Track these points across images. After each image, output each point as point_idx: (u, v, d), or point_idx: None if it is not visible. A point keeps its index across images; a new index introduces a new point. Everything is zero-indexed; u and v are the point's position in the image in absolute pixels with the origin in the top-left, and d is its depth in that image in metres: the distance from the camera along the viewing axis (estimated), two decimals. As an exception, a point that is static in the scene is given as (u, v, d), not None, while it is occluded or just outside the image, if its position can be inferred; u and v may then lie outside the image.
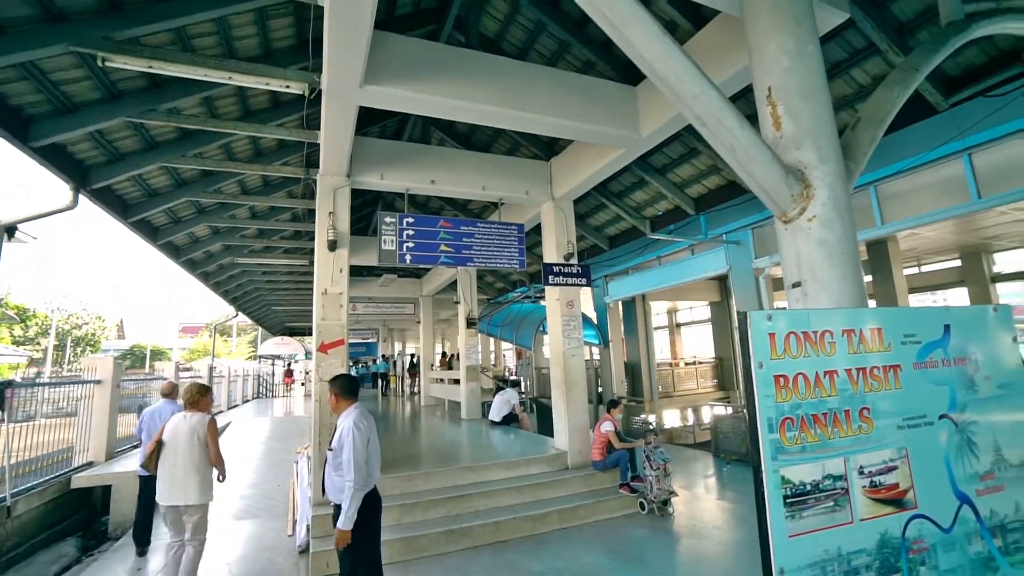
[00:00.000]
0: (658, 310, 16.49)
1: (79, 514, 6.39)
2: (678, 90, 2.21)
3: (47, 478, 5.90)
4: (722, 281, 12.80)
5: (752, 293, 7.60)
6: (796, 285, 2.24)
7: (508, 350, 22.19)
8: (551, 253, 6.52)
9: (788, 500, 1.26)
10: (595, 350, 11.99)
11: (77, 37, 3.45)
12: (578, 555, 4.46)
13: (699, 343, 17.40)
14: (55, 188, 5.18)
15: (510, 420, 8.80)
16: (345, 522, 2.87)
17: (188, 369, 12.95)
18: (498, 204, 7.47)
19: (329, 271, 5.08)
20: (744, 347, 1.31)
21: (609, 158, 5.53)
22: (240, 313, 15.98)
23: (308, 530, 4.85)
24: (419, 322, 13.36)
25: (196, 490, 3.60)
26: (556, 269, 6.25)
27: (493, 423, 8.72)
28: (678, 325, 17.80)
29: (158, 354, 43.44)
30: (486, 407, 10.31)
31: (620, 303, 11.94)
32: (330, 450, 3.03)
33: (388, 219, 5.57)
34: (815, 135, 2.34)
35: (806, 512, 1.26)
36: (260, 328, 43.03)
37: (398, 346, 22.11)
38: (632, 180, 7.71)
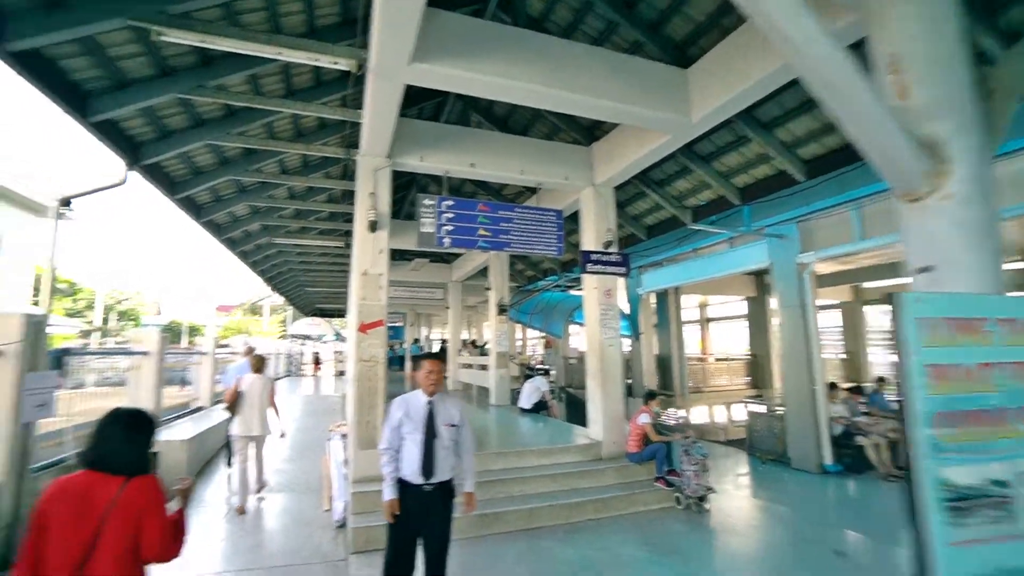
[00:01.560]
0: (688, 304, 16.16)
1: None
2: (805, 52, 2.05)
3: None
4: (759, 276, 12.41)
5: (794, 288, 7.32)
6: (925, 270, 2.03)
7: (533, 339, 22.16)
8: (590, 240, 6.39)
9: (948, 504, 1.13)
10: (626, 342, 11.82)
11: (133, 10, 3.48)
12: (613, 546, 4.40)
13: (730, 339, 17.02)
14: (108, 164, 5.32)
15: (539, 408, 8.77)
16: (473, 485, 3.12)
17: (225, 346, 13.36)
18: (535, 190, 7.36)
19: (369, 252, 5.09)
20: (898, 333, 1.19)
21: (654, 144, 5.35)
22: (274, 292, 16.37)
23: (346, 506, 4.94)
24: (448, 307, 13.41)
25: (263, 425, 5.35)
26: (595, 257, 6.13)
27: (523, 410, 8.70)
28: (708, 320, 17.42)
29: (194, 331, 45.01)
30: (515, 394, 10.33)
31: (653, 295, 11.71)
32: (454, 426, 2.99)
33: (427, 202, 5.53)
34: (952, 105, 2.15)
35: (969, 519, 1.14)
36: (290, 309, 44.04)
37: (423, 331, 22.32)
38: (675, 168, 7.47)
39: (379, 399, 4.87)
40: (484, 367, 12.28)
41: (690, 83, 4.81)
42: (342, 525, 4.74)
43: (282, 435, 5.96)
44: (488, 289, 10.12)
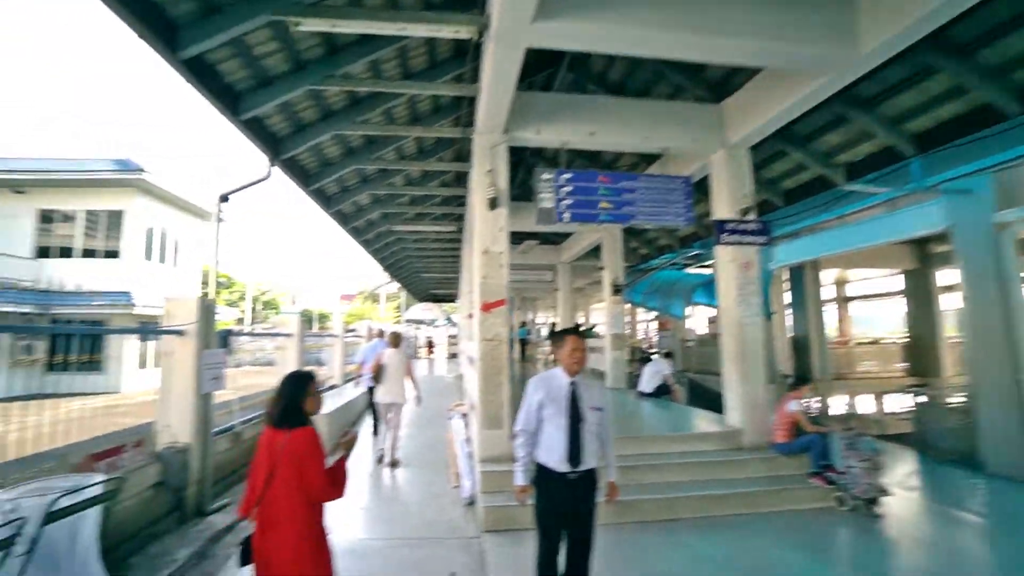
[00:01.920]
0: (823, 280, 14.29)
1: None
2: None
3: (260, 412, 6.93)
4: (921, 245, 10.52)
5: (988, 255, 5.97)
6: None
7: (642, 321, 21.24)
8: (722, 208, 5.74)
9: None
10: (753, 322, 10.75)
11: (274, 5, 3.64)
12: (763, 546, 3.91)
13: (875, 319, 14.87)
14: (254, 161, 5.83)
15: (661, 392, 8.27)
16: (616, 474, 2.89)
17: (352, 330, 14.51)
18: (653, 160, 6.83)
19: (490, 230, 5.00)
20: None
21: (806, 89, 4.56)
22: (392, 279, 17.47)
23: (474, 484, 4.98)
24: (557, 289, 13.23)
25: (401, 394, 6.14)
26: (730, 226, 5.48)
27: (643, 394, 8.26)
28: (847, 299, 15.29)
29: (323, 317, 50.18)
30: (631, 377, 9.88)
31: (787, 271, 10.46)
32: (599, 409, 2.74)
33: (545, 176, 5.30)
34: None
35: None
36: (403, 295, 47.14)
37: (529, 315, 22.46)
38: (826, 119, 6.40)
39: (503, 378, 4.81)
40: (594, 350, 11.98)
41: (860, 8, 3.99)
42: (471, 503, 4.78)
43: (419, 400, 6.67)
44: (601, 268, 9.72)
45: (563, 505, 2.65)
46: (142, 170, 16.18)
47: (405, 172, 8.04)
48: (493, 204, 4.99)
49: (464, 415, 8.32)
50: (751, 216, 5.63)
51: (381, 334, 8.11)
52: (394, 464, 6.07)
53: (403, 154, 7.44)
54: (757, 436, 5.36)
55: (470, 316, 9.40)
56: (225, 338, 5.72)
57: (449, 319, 25.90)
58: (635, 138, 5.61)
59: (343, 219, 8.91)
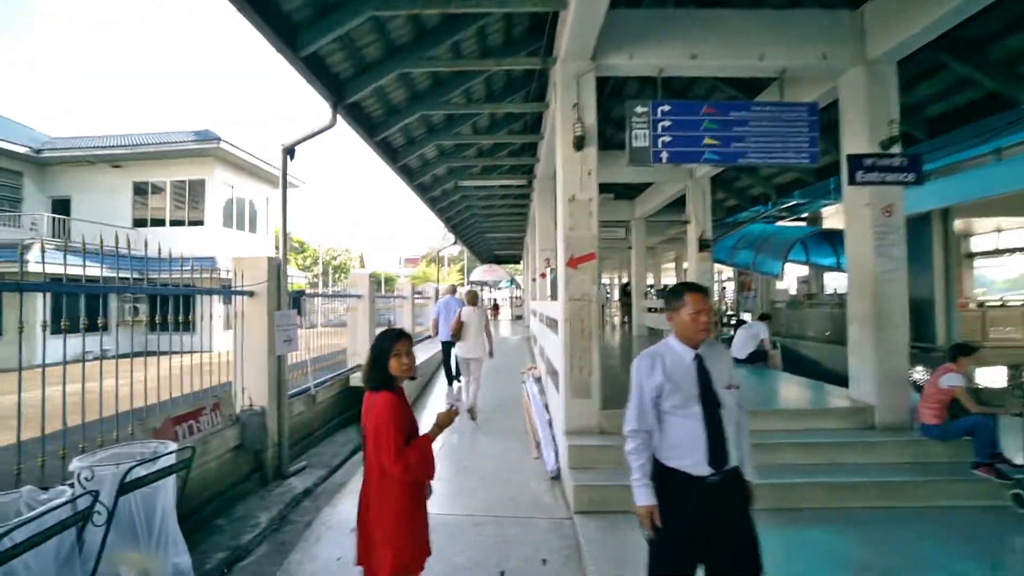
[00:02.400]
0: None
1: (358, 406, 7.44)
2: None
3: (334, 374, 6.88)
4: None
5: None
6: None
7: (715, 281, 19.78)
8: (857, 141, 4.70)
9: None
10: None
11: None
12: (914, 549, 3.18)
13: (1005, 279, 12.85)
14: (317, 111, 5.46)
15: (755, 358, 7.41)
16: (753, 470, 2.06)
17: (419, 293, 14.51)
18: (764, 87, 5.78)
19: (576, 174, 4.35)
20: None
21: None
22: (456, 241, 17.26)
23: (557, 456, 4.56)
24: (630, 248, 12.34)
25: (480, 350, 6.48)
26: (868, 162, 4.47)
27: (737, 360, 7.45)
28: (970, 254, 13.19)
29: (389, 280, 51.87)
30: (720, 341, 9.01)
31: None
32: (735, 387, 2.05)
33: (639, 109, 4.52)
34: None
35: None
36: (466, 258, 47.52)
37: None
38: (1010, 17, 4.97)
39: (592, 343, 4.25)
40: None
41: None
42: (556, 477, 4.37)
43: (491, 355, 6.76)
44: (686, 222, 8.77)
45: (704, 522, 1.91)
46: (219, 139, 16.77)
47: (474, 120, 7.41)
48: (580, 144, 4.30)
49: (538, 379, 7.93)
50: (896, 149, 4.56)
51: (453, 290, 8.26)
52: (472, 414, 6.22)
53: (472, 96, 6.79)
54: (893, 415, 4.50)
55: (543, 275, 8.86)
56: (297, 300, 5.55)
57: (513, 280, 25.59)
58: (747, 58, 4.64)
59: (408, 174, 8.50)
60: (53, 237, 15.77)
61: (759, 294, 13.86)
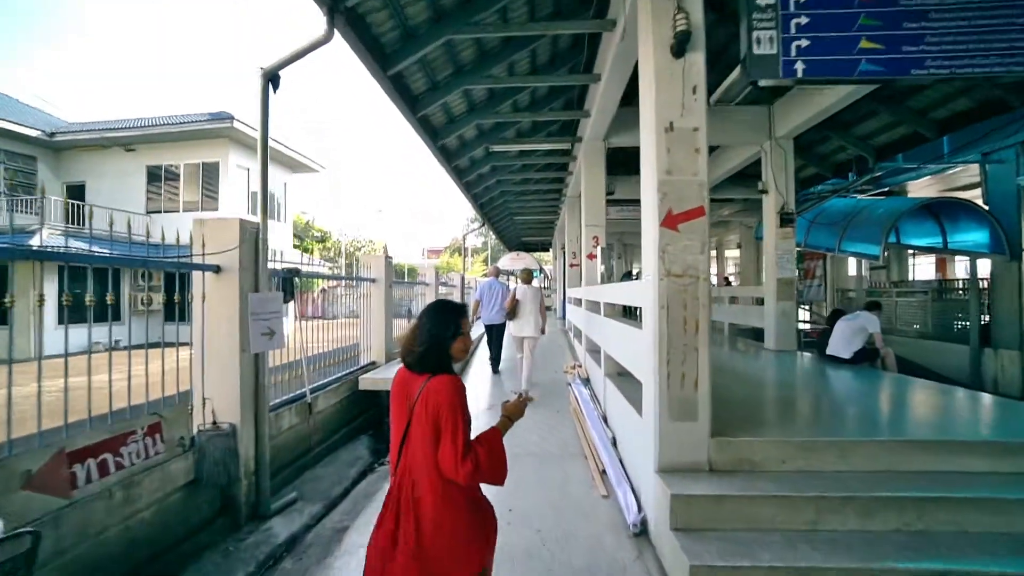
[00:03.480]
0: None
1: (369, 413, 6.23)
2: None
3: (339, 375, 5.66)
4: None
5: None
6: None
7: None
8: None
9: None
10: (983, 263, 7.73)
11: None
12: None
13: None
14: (308, 21, 4.17)
15: (863, 357, 5.89)
16: None
17: (445, 282, 13.48)
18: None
19: (676, 91, 2.93)
20: None
21: None
22: (483, 224, 16.02)
23: (639, 502, 3.21)
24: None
25: (533, 328, 6.37)
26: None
27: (835, 360, 5.94)
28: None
29: (412, 271, 51.12)
30: (802, 336, 7.50)
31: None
32: None
33: (764, 2, 3.09)
34: None
35: None
36: (489, 249, 46.32)
37: (635, 267, 19.96)
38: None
39: (701, 341, 2.86)
40: (735, 300, 9.64)
41: None
42: (641, 532, 3.01)
43: (543, 331, 6.58)
44: (763, 192, 7.23)
45: None
46: (232, 118, 15.90)
47: (510, 60, 5.98)
48: (681, 46, 2.89)
49: (586, 380, 6.58)
50: None
51: (497, 273, 7.97)
52: (527, 395, 5.20)
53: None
54: None
55: (591, 257, 7.47)
56: (289, 280, 4.32)
57: (541, 269, 24.17)
58: None
59: (432, 135, 7.14)
60: (68, 223, 15.14)
61: (825, 282, 12.16)
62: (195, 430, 3.15)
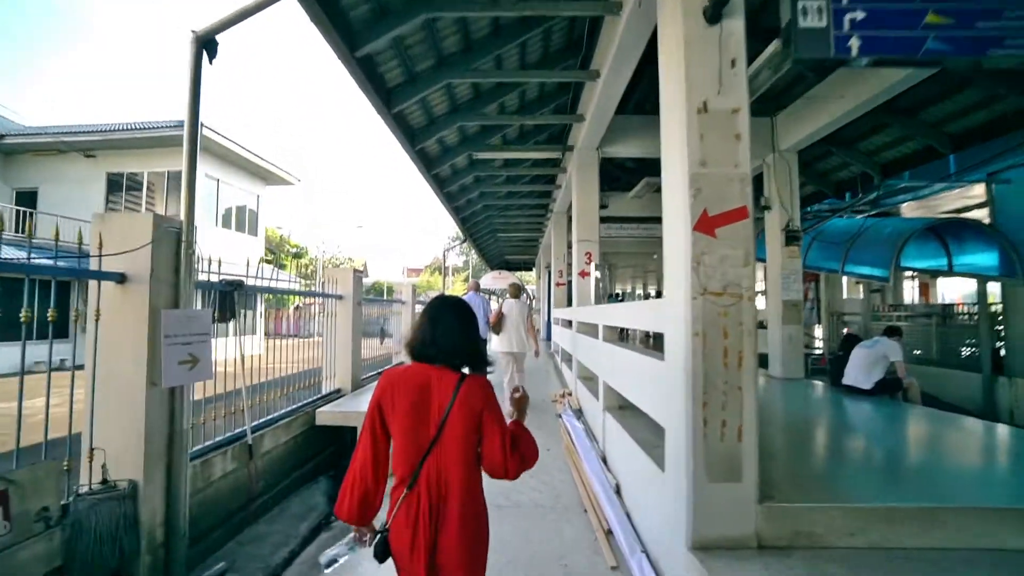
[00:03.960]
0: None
1: (328, 450, 5.41)
2: None
3: (292, 408, 4.86)
4: None
5: None
6: None
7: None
8: None
9: None
10: (992, 286, 7.40)
11: None
12: None
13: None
14: None
15: (884, 388, 5.36)
16: None
17: (422, 301, 12.75)
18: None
19: (712, 64, 2.36)
20: None
21: None
22: (465, 239, 15.44)
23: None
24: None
25: (522, 344, 6.11)
26: None
27: (857, 391, 5.39)
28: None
29: (390, 290, 50.06)
30: (810, 363, 6.99)
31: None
32: None
33: (810, -38, 2.57)
34: None
35: None
36: (470, 269, 45.71)
37: (627, 288, 19.50)
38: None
39: (746, 379, 2.23)
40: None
41: None
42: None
43: (536, 354, 6.36)
44: (766, 208, 6.78)
45: None
46: (202, 125, 15.02)
47: (497, 53, 5.42)
48: (717, 10, 2.33)
49: (578, 411, 5.89)
50: None
51: (478, 287, 7.68)
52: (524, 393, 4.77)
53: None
54: None
55: (583, 275, 6.88)
56: (229, 295, 3.56)
57: (524, 289, 23.55)
58: None
59: (410, 138, 6.50)
60: (16, 232, 13.96)
61: (818, 305, 11.84)
62: (77, 490, 2.36)
